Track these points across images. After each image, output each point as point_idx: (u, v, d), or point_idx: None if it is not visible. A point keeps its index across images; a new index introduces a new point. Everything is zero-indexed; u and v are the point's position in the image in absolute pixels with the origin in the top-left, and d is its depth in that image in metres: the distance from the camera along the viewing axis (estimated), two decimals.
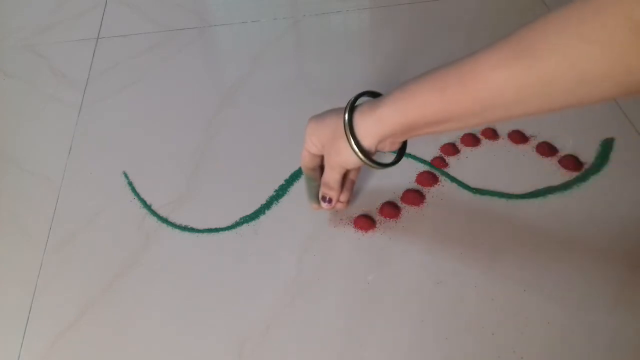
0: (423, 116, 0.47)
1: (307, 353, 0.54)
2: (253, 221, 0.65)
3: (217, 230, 0.65)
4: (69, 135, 0.77)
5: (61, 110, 0.81)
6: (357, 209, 0.65)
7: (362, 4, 0.94)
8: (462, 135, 0.71)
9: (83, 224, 0.67)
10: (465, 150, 0.70)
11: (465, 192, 0.66)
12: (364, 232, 0.63)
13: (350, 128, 0.51)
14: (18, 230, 0.67)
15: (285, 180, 0.69)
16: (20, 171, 0.73)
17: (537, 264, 0.58)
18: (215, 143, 0.74)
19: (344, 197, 0.62)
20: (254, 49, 0.88)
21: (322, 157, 0.58)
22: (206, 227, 0.65)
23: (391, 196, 0.66)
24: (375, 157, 0.53)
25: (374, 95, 0.55)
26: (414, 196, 0.65)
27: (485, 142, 0.71)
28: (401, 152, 0.57)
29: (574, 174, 0.66)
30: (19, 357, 0.56)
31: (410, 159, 0.69)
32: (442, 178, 0.67)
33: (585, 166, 0.67)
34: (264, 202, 0.67)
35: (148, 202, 0.68)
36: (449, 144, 0.71)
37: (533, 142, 0.70)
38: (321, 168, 0.60)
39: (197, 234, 0.65)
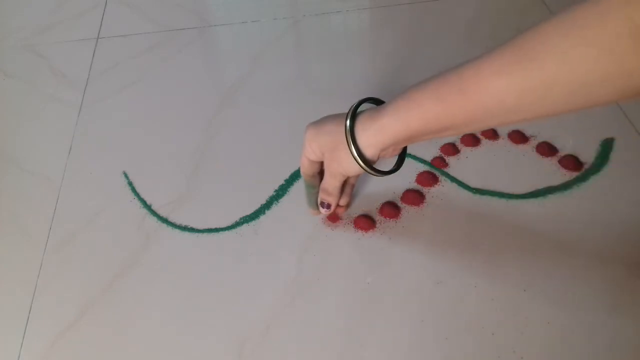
0: (425, 125, 0.47)
1: (307, 353, 0.54)
2: (253, 221, 0.65)
3: (217, 230, 0.65)
4: (69, 135, 0.77)
5: (61, 110, 0.81)
6: (357, 209, 0.65)
7: (362, 4, 0.94)
8: (462, 135, 0.71)
9: (83, 224, 0.67)
10: (465, 150, 0.70)
11: (465, 192, 0.66)
12: (364, 232, 0.63)
13: (352, 137, 0.51)
14: (18, 230, 0.67)
15: (285, 180, 0.69)
16: (20, 171, 0.73)
17: (537, 264, 0.58)
18: (215, 143, 0.74)
19: (343, 201, 0.62)
20: (254, 49, 0.88)
21: (321, 164, 0.58)
22: (206, 227, 0.65)
23: (391, 196, 0.66)
24: (375, 165, 0.53)
25: (375, 101, 0.55)
26: (414, 196, 0.65)
27: (485, 142, 0.71)
28: (401, 158, 0.57)
29: (574, 174, 0.66)
30: (19, 357, 0.56)
31: (410, 159, 0.69)
32: (442, 178, 0.67)
33: (585, 166, 0.67)
34: (264, 202, 0.67)
35: (148, 202, 0.68)
36: (449, 144, 0.71)
37: (533, 142, 0.70)
38: (320, 174, 0.60)
39: (197, 234, 0.65)
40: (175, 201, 0.68)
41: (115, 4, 0.99)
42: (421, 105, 0.46)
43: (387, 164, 0.56)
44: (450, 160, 0.69)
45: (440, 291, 0.57)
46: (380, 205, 0.65)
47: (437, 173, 0.68)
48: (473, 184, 0.66)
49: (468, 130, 0.47)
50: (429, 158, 0.70)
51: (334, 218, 0.64)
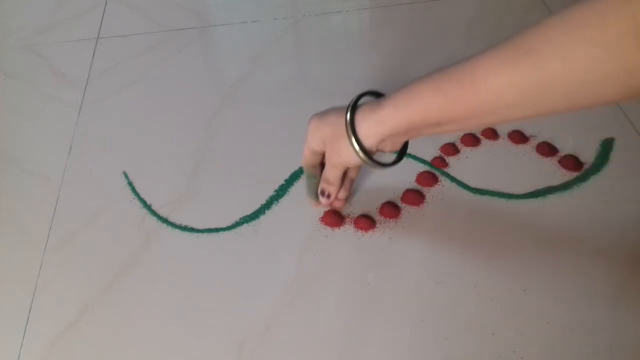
0: (425, 118, 0.47)
1: (307, 353, 0.54)
2: (253, 221, 0.65)
3: (217, 230, 0.65)
4: (69, 135, 0.77)
5: (61, 110, 0.81)
6: (357, 209, 0.65)
7: (362, 4, 0.94)
8: (462, 135, 0.71)
9: (83, 224, 0.67)
10: (465, 150, 0.70)
11: (465, 192, 0.66)
12: (364, 232, 0.63)
13: (352, 127, 0.51)
14: (18, 230, 0.67)
15: (285, 180, 0.69)
16: (20, 171, 0.73)
17: (537, 264, 0.58)
18: (215, 143, 0.74)
19: (342, 194, 0.62)
20: (254, 49, 0.88)
21: (323, 155, 0.59)
22: (206, 227, 0.65)
23: (391, 196, 0.66)
24: (376, 157, 0.53)
25: (376, 95, 0.55)
26: (414, 196, 0.65)
27: (485, 142, 0.71)
28: (402, 152, 0.57)
29: (574, 174, 0.66)
30: (19, 357, 0.56)
31: (410, 159, 0.69)
32: (442, 178, 0.67)
33: (585, 166, 0.67)
34: (264, 202, 0.67)
35: (148, 202, 0.68)
36: (449, 144, 0.71)
37: (533, 142, 0.70)
38: (322, 165, 0.61)
39: (197, 234, 0.65)
40: (175, 201, 0.68)
41: (115, 4, 0.99)
42: (422, 98, 0.46)
43: (388, 160, 0.56)
44: (450, 160, 0.69)
45: (440, 291, 0.57)
46: (380, 205, 0.65)
47: (437, 173, 0.68)
48: (473, 184, 0.66)
49: (469, 126, 0.47)
50: (429, 158, 0.70)
51: (333, 221, 0.64)
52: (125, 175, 0.71)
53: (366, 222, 0.63)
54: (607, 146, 0.69)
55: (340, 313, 0.57)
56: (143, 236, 0.65)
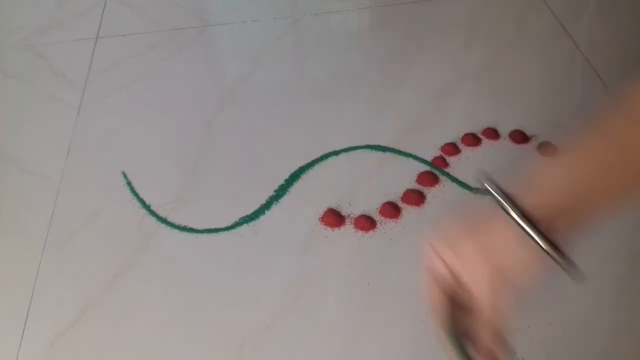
0: None
1: (307, 353, 0.54)
2: (253, 221, 0.65)
3: (216, 230, 0.65)
4: (68, 135, 0.77)
5: (61, 110, 0.81)
6: (357, 209, 0.65)
7: (362, 3, 0.94)
8: (463, 135, 0.71)
9: (82, 223, 0.67)
10: (466, 150, 0.70)
11: (466, 192, 0.66)
12: (364, 232, 0.63)
13: None
14: (17, 230, 0.67)
15: (285, 180, 0.69)
16: (20, 171, 0.73)
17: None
18: (215, 143, 0.74)
19: None
20: (254, 48, 0.88)
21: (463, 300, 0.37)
22: (206, 227, 0.65)
23: (391, 196, 0.66)
24: None
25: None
26: (415, 196, 0.65)
27: (486, 142, 0.71)
28: None
29: None
30: (17, 356, 0.56)
31: (410, 159, 0.69)
32: (442, 178, 0.67)
33: None
34: (263, 202, 0.67)
35: (147, 202, 0.68)
36: (449, 143, 0.70)
37: (534, 142, 0.70)
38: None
39: (196, 234, 0.64)
40: (175, 201, 0.68)
41: (114, 3, 0.99)
42: None
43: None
44: (451, 160, 0.69)
45: None
46: (380, 205, 0.65)
47: (437, 173, 0.68)
48: (474, 184, 0.66)
49: None
50: (429, 158, 0.69)
51: (333, 221, 0.64)
52: (125, 175, 0.71)
53: (366, 222, 0.63)
54: None
55: (340, 313, 0.57)
56: (142, 236, 0.65)
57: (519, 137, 0.70)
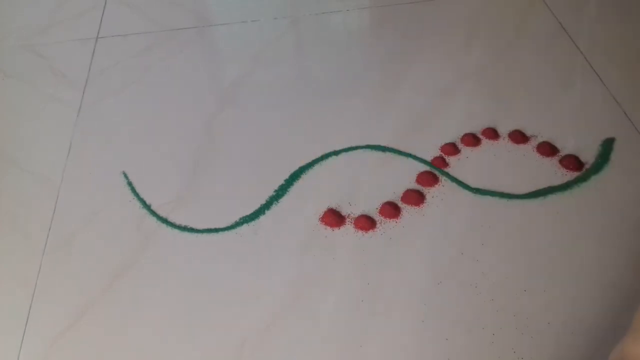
0: None
1: (307, 353, 0.54)
2: (253, 221, 0.65)
3: (216, 230, 0.65)
4: (68, 135, 0.77)
5: (61, 110, 0.81)
6: (357, 209, 0.65)
7: (362, 3, 0.94)
8: (462, 135, 0.71)
9: (82, 223, 0.67)
10: (465, 150, 0.70)
11: (466, 192, 0.66)
12: (364, 232, 0.63)
13: None
14: (18, 230, 0.67)
15: (285, 180, 0.69)
16: (20, 171, 0.73)
17: (537, 264, 0.58)
18: (215, 143, 0.74)
19: None
20: (254, 48, 0.88)
21: None
22: (206, 227, 0.65)
23: (391, 196, 0.66)
24: None
25: None
26: (414, 196, 0.65)
27: (485, 142, 0.71)
28: None
29: (575, 174, 0.66)
30: (18, 356, 0.56)
31: (410, 159, 0.69)
32: (442, 178, 0.67)
33: (586, 166, 0.67)
34: (263, 202, 0.67)
35: (147, 202, 0.68)
36: (449, 144, 0.71)
37: (534, 142, 0.70)
38: None
39: (196, 234, 0.64)
40: (175, 201, 0.68)
41: (114, 4, 0.99)
42: None
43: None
44: (451, 160, 0.69)
45: (440, 291, 0.57)
46: (380, 205, 0.65)
47: (437, 173, 0.68)
48: (473, 184, 0.66)
49: None
50: (429, 158, 0.69)
51: (333, 221, 0.64)
52: (125, 175, 0.71)
53: (366, 222, 0.63)
54: (607, 146, 0.69)
55: (340, 313, 0.57)
56: (142, 236, 0.65)
57: (519, 137, 0.70)
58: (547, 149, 0.68)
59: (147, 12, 0.96)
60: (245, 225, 0.65)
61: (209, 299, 0.59)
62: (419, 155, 0.70)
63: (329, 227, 0.63)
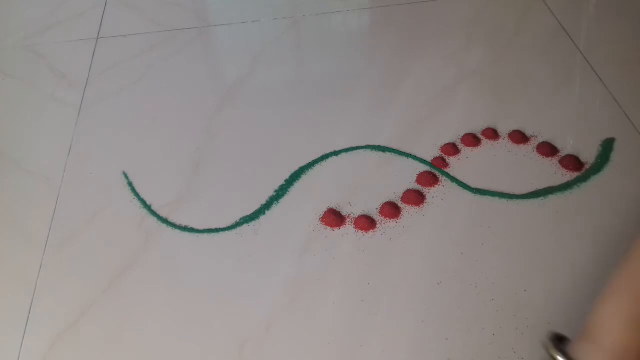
0: None
1: (307, 353, 0.54)
2: (253, 221, 0.65)
3: (217, 230, 0.65)
4: (68, 135, 0.77)
5: (61, 110, 0.81)
6: (357, 209, 0.65)
7: (362, 4, 0.94)
8: (462, 135, 0.71)
9: (83, 223, 0.67)
10: (465, 150, 0.70)
11: (466, 192, 0.66)
12: (364, 232, 0.63)
13: None
14: (18, 230, 0.67)
15: (285, 180, 0.69)
16: (20, 171, 0.73)
17: (537, 264, 0.58)
18: (215, 143, 0.74)
19: None
20: (254, 48, 0.88)
21: None
22: (206, 227, 0.65)
23: (391, 196, 0.66)
24: None
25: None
26: (414, 196, 0.65)
27: (485, 142, 0.71)
28: None
29: (575, 174, 0.66)
30: (18, 357, 0.56)
31: (410, 159, 0.69)
32: (442, 178, 0.67)
33: (586, 166, 0.67)
34: (263, 202, 0.67)
35: (148, 202, 0.68)
36: (449, 144, 0.71)
37: (533, 142, 0.70)
38: None
39: (196, 234, 0.65)
40: (175, 201, 0.68)
41: (114, 4, 0.99)
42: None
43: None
44: (451, 160, 0.69)
45: (440, 291, 0.57)
46: (380, 205, 0.65)
47: (437, 173, 0.68)
48: (473, 184, 0.66)
49: None
50: (429, 158, 0.70)
51: (333, 221, 0.64)
52: (125, 175, 0.71)
53: (366, 222, 0.63)
54: (607, 146, 0.69)
55: (340, 313, 0.57)
56: (143, 236, 0.65)
57: (519, 137, 0.70)
58: (547, 149, 0.69)
59: (147, 12, 0.96)
60: (245, 225, 0.65)
61: (210, 299, 0.59)
62: (418, 155, 0.70)
63: (329, 227, 0.64)
